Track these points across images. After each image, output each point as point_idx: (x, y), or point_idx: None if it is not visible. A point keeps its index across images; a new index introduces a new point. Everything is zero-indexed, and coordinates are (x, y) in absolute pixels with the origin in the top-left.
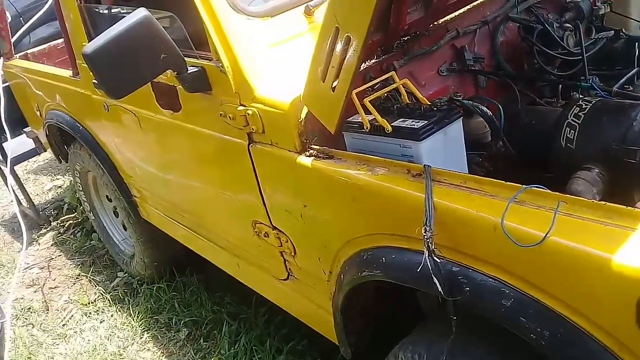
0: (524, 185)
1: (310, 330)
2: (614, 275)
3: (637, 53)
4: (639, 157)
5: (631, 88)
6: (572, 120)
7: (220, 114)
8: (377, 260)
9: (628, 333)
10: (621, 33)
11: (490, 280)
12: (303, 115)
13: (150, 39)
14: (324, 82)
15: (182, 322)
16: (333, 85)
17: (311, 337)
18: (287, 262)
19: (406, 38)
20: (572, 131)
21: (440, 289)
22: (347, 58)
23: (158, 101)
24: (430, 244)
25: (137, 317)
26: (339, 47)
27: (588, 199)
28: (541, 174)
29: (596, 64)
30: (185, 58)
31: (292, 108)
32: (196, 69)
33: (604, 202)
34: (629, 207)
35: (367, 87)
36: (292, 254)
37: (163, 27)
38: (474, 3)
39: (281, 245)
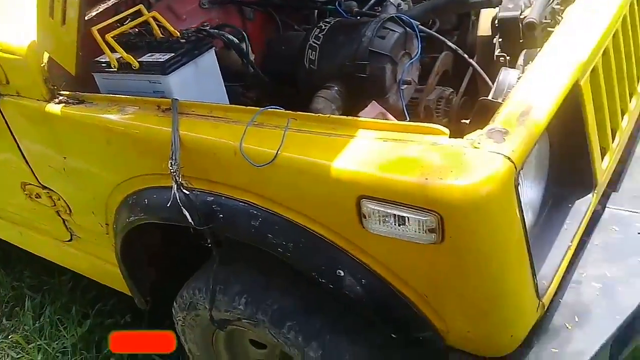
0: (260, 108)
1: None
2: (335, 180)
3: None
4: (368, 71)
5: (380, 8)
6: (313, 42)
7: None
8: (141, 203)
9: (355, 232)
10: None
11: (240, 204)
12: (45, 59)
13: None
14: (53, 18)
15: None
16: (63, 21)
17: (120, 295)
18: (66, 222)
19: None
20: (313, 52)
21: (190, 220)
22: None
23: None
24: (177, 177)
25: None
26: None
27: (316, 114)
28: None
29: None
30: None
31: (31, 52)
32: None
33: (328, 115)
34: (349, 117)
35: (114, 22)
36: (68, 212)
37: None
38: None
39: (55, 205)
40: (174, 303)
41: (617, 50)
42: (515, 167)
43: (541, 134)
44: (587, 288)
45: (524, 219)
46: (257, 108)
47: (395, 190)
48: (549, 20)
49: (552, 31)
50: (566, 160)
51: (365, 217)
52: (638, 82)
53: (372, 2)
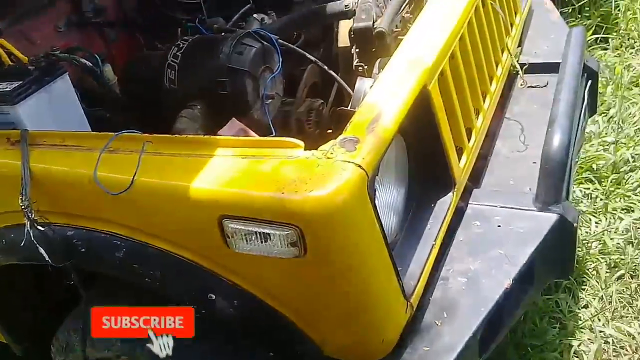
0: (114, 133)
1: None
2: (195, 201)
3: None
4: (228, 88)
5: (244, 24)
6: (171, 61)
7: None
8: None
9: (221, 253)
10: None
11: (102, 235)
12: None
13: None
14: None
15: None
16: None
17: None
18: None
19: None
20: (172, 72)
21: (47, 258)
22: None
23: None
24: (29, 214)
25: None
26: None
27: (171, 135)
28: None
29: (223, 6)
30: None
31: None
32: None
33: (184, 136)
34: (206, 136)
35: None
36: None
37: None
38: None
39: None
40: (51, 346)
41: (464, 53)
42: (367, 174)
43: (391, 139)
44: (454, 284)
45: (381, 224)
46: (111, 134)
47: (254, 207)
48: (400, 29)
49: (403, 39)
50: (425, 162)
51: (229, 237)
52: (491, 82)
53: (235, 17)
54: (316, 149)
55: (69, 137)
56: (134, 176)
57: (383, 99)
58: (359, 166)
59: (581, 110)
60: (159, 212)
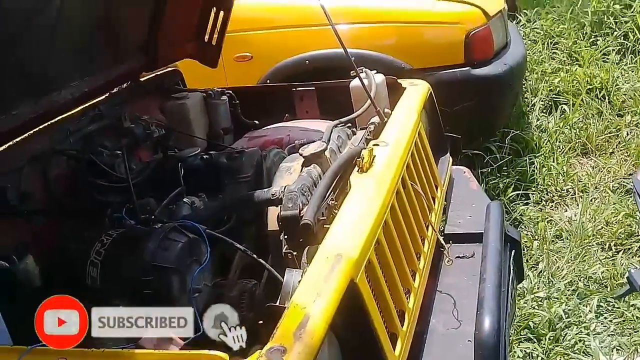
0: (28, 347)
1: None
2: None
3: (182, 172)
4: (152, 286)
5: (175, 207)
6: (94, 258)
7: None
8: None
9: None
10: (170, 154)
11: None
12: None
13: None
14: None
15: None
16: None
17: None
18: None
19: None
20: (95, 269)
21: None
22: None
23: None
24: None
25: None
26: None
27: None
28: None
29: (155, 186)
30: None
31: None
32: None
33: (102, 350)
34: (128, 351)
35: None
36: None
37: None
38: (14, 141)
39: None
40: None
41: (389, 237)
42: None
43: (320, 345)
44: None
45: None
46: (24, 347)
47: None
48: (325, 217)
49: (329, 227)
50: (359, 355)
51: None
52: (419, 259)
53: (165, 202)
54: None
55: None
56: None
57: (310, 299)
58: None
59: (509, 281)
60: None
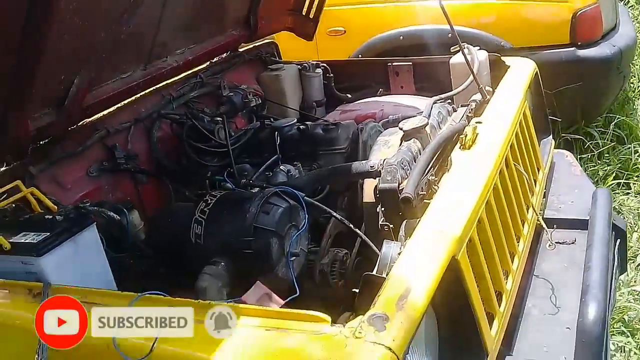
0: (137, 294)
1: None
2: None
3: (277, 141)
4: (253, 247)
5: (271, 174)
6: (199, 216)
7: None
8: None
9: None
10: (266, 123)
11: None
12: None
13: None
14: None
15: None
16: None
17: None
18: None
19: (44, 142)
20: (199, 227)
21: None
22: None
23: None
24: None
25: None
26: None
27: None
28: None
29: (251, 152)
30: None
31: None
32: None
33: (208, 302)
34: (230, 304)
35: None
36: None
37: None
38: (124, 102)
39: None
40: None
41: (491, 217)
42: (397, 357)
43: (422, 317)
44: None
45: None
46: (134, 294)
47: None
48: (425, 192)
49: (429, 202)
50: (456, 331)
51: None
52: (518, 241)
53: (262, 169)
54: (343, 325)
55: (91, 294)
56: (154, 343)
57: (412, 272)
58: (389, 349)
59: (612, 272)
60: None
